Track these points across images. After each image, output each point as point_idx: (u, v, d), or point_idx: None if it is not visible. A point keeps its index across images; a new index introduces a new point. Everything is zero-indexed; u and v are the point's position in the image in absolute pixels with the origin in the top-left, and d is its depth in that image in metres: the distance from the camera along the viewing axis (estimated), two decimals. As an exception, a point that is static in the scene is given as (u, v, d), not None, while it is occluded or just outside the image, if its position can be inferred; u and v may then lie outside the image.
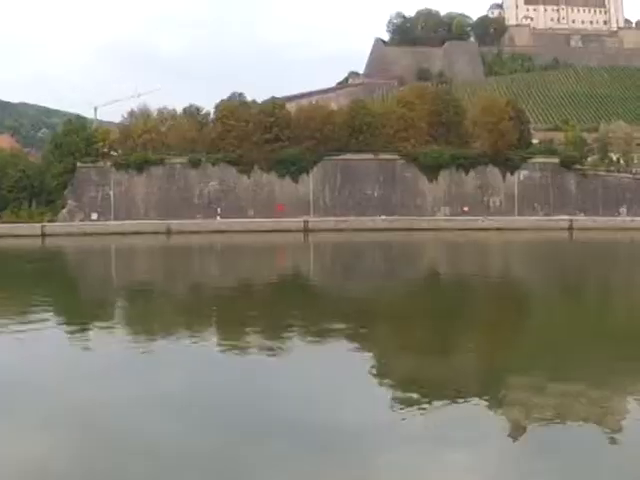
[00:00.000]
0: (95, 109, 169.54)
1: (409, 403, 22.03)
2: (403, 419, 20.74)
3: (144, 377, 25.59)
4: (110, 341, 30.81)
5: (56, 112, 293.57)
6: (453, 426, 20.04)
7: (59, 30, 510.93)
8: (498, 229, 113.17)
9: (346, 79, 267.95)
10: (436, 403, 22.08)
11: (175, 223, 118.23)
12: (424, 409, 21.62)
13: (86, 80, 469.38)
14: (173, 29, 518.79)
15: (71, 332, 33.77)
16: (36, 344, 30.44)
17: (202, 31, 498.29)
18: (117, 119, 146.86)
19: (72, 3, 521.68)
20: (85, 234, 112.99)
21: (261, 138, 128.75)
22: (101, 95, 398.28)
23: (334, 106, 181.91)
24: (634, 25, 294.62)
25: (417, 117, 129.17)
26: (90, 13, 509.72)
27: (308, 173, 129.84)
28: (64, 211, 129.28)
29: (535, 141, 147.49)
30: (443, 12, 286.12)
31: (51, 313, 39.46)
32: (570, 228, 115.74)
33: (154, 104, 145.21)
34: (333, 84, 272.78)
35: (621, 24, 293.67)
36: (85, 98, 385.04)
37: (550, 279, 55.91)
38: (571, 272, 61.52)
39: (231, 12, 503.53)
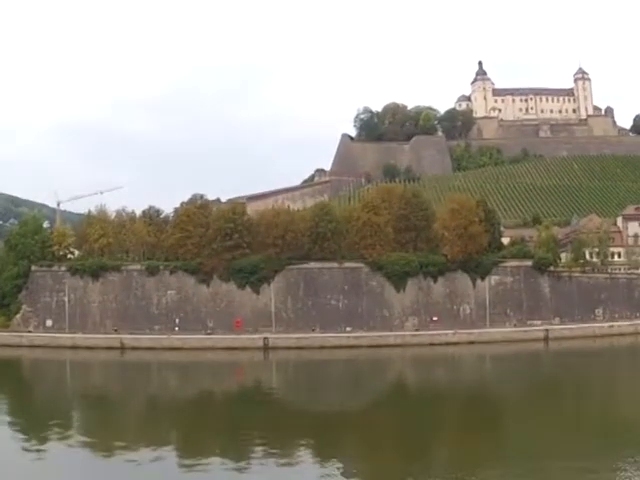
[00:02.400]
0: (58, 204, 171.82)
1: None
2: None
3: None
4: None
5: (25, 202, 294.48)
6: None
7: (27, 116, 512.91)
8: (470, 342, 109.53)
9: (312, 177, 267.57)
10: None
11: (129, 338, 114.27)
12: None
13: (53, 167, 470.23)
14: (142, 113, 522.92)
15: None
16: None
17: (172, 116, 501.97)
18: (81, 209, 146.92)
19: (40, 89, 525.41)
20: (36, 346, 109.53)
21: (221, 245, 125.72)
22: (68, 182, 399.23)
23: (300, 205, 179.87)
24: (603, 112, 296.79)
25: (383, 222, 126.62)
26: (57, 99, 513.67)
27: (269, 283, 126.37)
28: (18, 316, 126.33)
29: (506, 240, 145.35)
30: (410, 106, 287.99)
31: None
32: (546, 338, 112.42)
33: (116, 201, 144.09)
34: (299, 180, 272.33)
35: (590, 112, 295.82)
36: (51, 187, 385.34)
37: (523, 399, 52.96)
38: (546, 392, 58.39)
39: (201, 96, 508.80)
